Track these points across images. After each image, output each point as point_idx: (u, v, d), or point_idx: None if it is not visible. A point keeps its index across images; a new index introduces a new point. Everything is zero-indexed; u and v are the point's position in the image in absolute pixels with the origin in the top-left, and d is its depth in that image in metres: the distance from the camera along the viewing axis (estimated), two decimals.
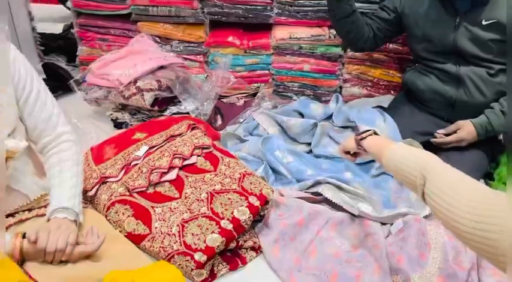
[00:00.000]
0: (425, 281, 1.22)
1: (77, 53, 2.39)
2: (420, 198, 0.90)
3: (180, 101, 2.03)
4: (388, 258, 1.29)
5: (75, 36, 2.39)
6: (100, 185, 1.47)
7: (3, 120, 1.10)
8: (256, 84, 2.25)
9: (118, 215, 1.37)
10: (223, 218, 1.30)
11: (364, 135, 1.19)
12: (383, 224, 1.42)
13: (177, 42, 2.26)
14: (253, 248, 1.36)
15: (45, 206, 1.20)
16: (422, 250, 1.30)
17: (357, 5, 2.00)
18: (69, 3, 2.29)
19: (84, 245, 1.09)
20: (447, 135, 1.70)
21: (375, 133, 1.20)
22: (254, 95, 2.18)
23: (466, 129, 1.67)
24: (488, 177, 1.76)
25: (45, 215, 1.16)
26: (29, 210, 1.20)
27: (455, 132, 1.69)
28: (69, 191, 1.19)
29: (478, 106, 1.70)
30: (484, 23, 1.62)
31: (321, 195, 1.49)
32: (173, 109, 2.03)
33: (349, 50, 2.17)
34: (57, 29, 2.99)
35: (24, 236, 1.04)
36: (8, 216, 1.16)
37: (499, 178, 1.72)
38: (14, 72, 1.16)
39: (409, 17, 1.78)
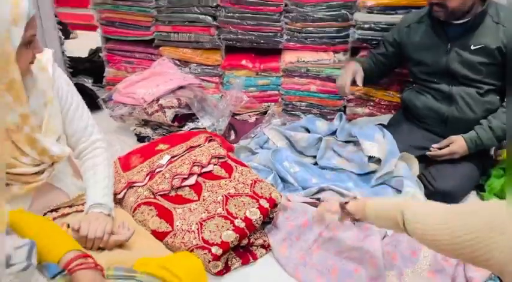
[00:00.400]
0: (417, 275, 1.37)
1: (104, 74, 2.63)
2: (403, 230, 1.04)
3: (197, 118, 2.24)
4: (384, 256, 1.44)
5: (103, 59, 2.63)
6: (127, 189, 1.65)
7: (51, 128, 1.31)
8: (266, 104, 2.45)
9: (143, 215, 1.54)
10: (236, 218, 1.47)
11: (347, 199, 1.36)
12: None
13: (195, 65, 2.49)
14: (263, 246, 1.52)
15: (82, 204, 1.38)
16: (414, 249, 1.44)
17: (361, 32, 2.22)
18: (99, 30, 2.53)
19: (117, 235, 1.27)
20: (440, 149, 1.87)
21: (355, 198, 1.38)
22: (265, 113, 2.38)
23: (457, 143, 1.83)
24: (479, 188, 1.91)
25: (83, 211, 1.34)
26: (70, 206, 1.38)
27: (448, 146, 1.85)
28: (103, 190, 1.37)
29: (469, 122, 1.86)
30: (472, 47, 1.81)
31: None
32: (191, 125, 2.23)
33: None
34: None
35: (68, 226, 1.23)
36: (52, 211, 1.35)
37: (490, 189, 1.86)
38: (58, 87, 1.36)
39: (407, 45, 1.98)
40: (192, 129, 2.19)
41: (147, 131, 2.24)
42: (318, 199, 1.69)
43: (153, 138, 2.20)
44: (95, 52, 3.31)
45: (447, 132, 1.92)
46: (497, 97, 1.88)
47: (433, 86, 1.95)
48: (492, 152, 2.04)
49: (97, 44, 3.10)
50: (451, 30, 1.84)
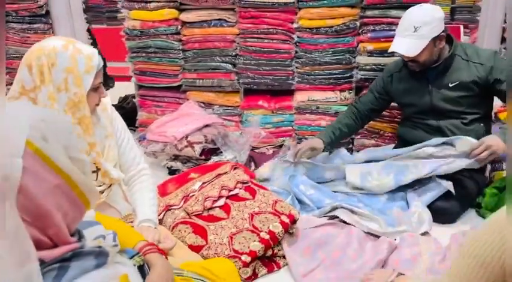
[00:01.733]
0: (415, 277, 1.57)
1: (137, 117, 2.96)
2: None
3: (221, 152, 2.53)
4: (388, 262, 1.66)
5: (137, 104, 2.97)
6: (166, 212, 1.92)
7: (110, 156, 1.60)
8: (282, 138, 2.73)
9: (181, 233, 1.79)
10: (262, 231, 1.72)
11: (392, 277, 1.41)
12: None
13: (218, 106, 2.81)
14: (285, 256, 1.75)
15: (131, 221, 1.64)
16: (415, 255, 1.66)
17: (363, 73, 2.53)
18: (133, 79, 2.89)
19: (164, 243, 1.52)
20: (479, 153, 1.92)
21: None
22: (281, 146, 2.66)
23: (489, 139, 1.92)
24: (477, 206, 2.12)
25: (133, 227, 1.60)
26: None
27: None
28: (150, 208, 1.64)
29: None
30: (450, 85, 2.08)
31: (337, 217, 1.89)
32: (216, 158, 2.52)
33: None
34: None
35: None
36: None
37: (485, 206, 2.08)
38: (115, 124, 1.67)
39: (393, 92, 2.25)
40: (217, 161, 2.47)
41: (177, 165, 2.53)
42: (333, 217, 1.93)
43: (183, 171, 2.48)
44: (124, 99, 3.68)
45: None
46: (481, 124, 2.12)
47: (422, 121, 2.19)
48: (487, 173, 2.27)
49: (126, 92, 3.48)
50: (428, 73, 2.11)
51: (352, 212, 1.91)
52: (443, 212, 1.99)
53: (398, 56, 2.46)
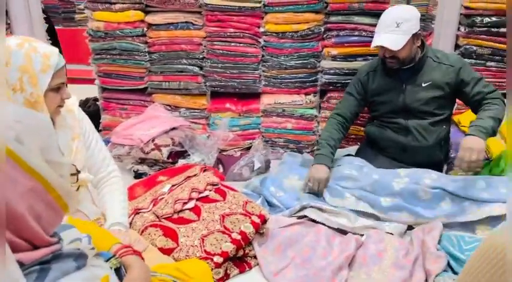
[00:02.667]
0: (382, 271, 1.65)
1: (100, 121, 2.89)
2: None
3: (189, 154, 2.52)
4: (356, 259, 1.72)
5: (100, 107, 2.91)
6: (135, 215, 1.89)
7: (78, 159, 1.57)
8: (249, 141, 2.76)
9: (150, 236, 1.77)
10: (233, 232, 1.73)
11: None
12: (354, 234, 1.86)
13: (185, 109, 2.81)
14: (256, 256, 1.77)
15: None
16: (380, 251, 1.73)
17: (327, 76, 2.61)
18: (97, 82, 2.83)
19: (134, 246, 1.50)
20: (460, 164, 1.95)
21: None
22: (248, 148, 2.69)
23: (466, 141, 1.95)
24: None
25: None
26: None
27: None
28: (120, 211, 1.62)
29: (423, 150, 2.22)
30: (423, 85, 2.20)
31: (306, 217, 1.94)
32: (183, 161, 2.51)
33: (321, 111, 2.73)
34: None
35: None
36: None
37: None
38: (83, 126, 1.64)
39: (370, 90, 2.32)
40: (185, 164, 2.45)
41: (144, 168, 2.50)
42: (302, 217, 1.97)
43: (149, 174, 2.45)
44: (84, 102, 3.59)
45: (406, 158, 2.26)
46: (444, 126, 2.26)
47: (391, 120, 2.29)
48: (444, 172, 2.39)
49: (85, 95, 3.39)
50: (402, 73, 2.22)
51: (321, 210, 1.96)
52: None
53: (359, 61, 2.57)
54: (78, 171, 1.13)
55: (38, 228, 0.75)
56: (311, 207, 1.97)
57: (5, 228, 0.66)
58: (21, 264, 0.73)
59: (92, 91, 3.21)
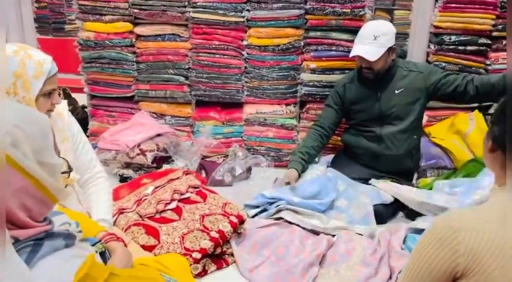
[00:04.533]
0: (349, 268, 1.77)
1: (88, 127, 2.98)
2: None
3: (173, 160, 2.63)
4: (326, 258, 1.84)
5: (88, 113, 3.01)
6: (119, 215, 1.99)
7: (51, 144, 1.66)
8: (232, 148, 2.88)
9: (133, 234, 1.87)
10: (212, 230, 1.84)
11: None
12: (326, 234, 1.98)
13: (170, 117, 2.92)
14: (233, 254, 1.88)
15: None
16: (349, 250, 1.85)
17: (306, 88, 2.76)
18: (86, 89, 2.94)
19: None
20: None
21: None
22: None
23: None
24: (404, 209, 2.36)
25: None
26: None
27: None
28: (105, 209, 1.72)
29: (395, 158, 2.37)
30: (396, 92, 2.36)
31: (282, 218, 2.06)
32: (167, 166, 2.62)
33: (301, 121, 2.87)
34: None
35: None
36: None
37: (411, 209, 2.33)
38: (71, 129, 1.74)
39: (347, 100, 2.47)
40: (168, 169, 2.56)
41: (129, 172, 2.59)
42: (278, 218, 2.09)
43: (134, 178, 2.54)
44: (72, 110, 3.67)
45: (378, 166, 2.41)
46: (415, 136, 2.42)
47: (366, 129, 2.44)
48: (414, 180, 2.54)
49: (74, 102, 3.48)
50: (377, 83, 2.38)
51: (296, 212, 2.08)
52: (377, 215, 2.21)
53: (337, 74, 2.73)
54: (71, 169, 1.23)
55: (28, 220, 0.84)
56: (287, 209, 2.09)
57: (5, 227, 0.73)
58: (17, 239, 0.83)
59: (80, 99, 3.32)
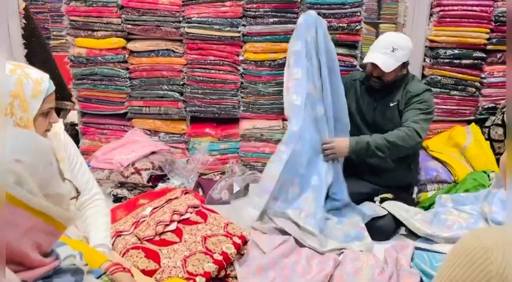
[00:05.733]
0: None
1: (79, 145, 2.89)
2: None
3: (168, 178, 2.56)
4: (334, 278, 1.79)
5: (79, 131, 2.92)
6: (116, 238, 1.90)
7: (56, 171, 1.59)
8: (228, 165, 2.82)
9: (132, 258, 1.79)
10: (215, 252, 1.77)
11: None
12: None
13: (164, 133, 2.85)
14: (236, 277, 1.81)
15: None
16: (357, 269, 1.81)
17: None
18: (77, 106, 2.86)
19: None
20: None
21: None
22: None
23: (337, 141, 2.25)
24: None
25: None
26: None
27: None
28: (103, 233, 1.63)
29: (387, 169, 2.33)
30: (391, 105, 2.34)
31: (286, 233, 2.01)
32: (163, 185, 2.54)
33: None
34: None
35: None
36: None
37: None
38: (67, 149, 1.67)
39: (348, 94, 2.43)
40: (165, 188, 2.49)
41: (123, 192, 2.51)
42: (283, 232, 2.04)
43: (129, 198, 2.46)
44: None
45: (376, 180, 2.37)
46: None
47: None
48: (415, 194, 2.52)
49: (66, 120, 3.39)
50: (376, 93, 2.36)
51: (298, 225, 2.04)
52: (379, 231, 2.17)
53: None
54: (79, 193, 1.15)
55: (40, 258, 0.77)
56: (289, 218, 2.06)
57: (4, 268, 0.67)
58: None
59: (69, 116, 3.22)
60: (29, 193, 0.74)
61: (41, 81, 1.43)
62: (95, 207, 1.70)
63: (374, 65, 2.23)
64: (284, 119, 2.83)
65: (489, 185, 2.26)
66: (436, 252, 1.88)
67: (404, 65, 2.28)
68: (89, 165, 2.60)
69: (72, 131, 3.11)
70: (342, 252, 1.94)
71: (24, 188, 0.73)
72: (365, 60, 2.28)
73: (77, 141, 2.91)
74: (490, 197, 2.04)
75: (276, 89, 2.76)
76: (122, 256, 1.80)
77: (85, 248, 1.20)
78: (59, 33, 5.78)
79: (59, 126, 1.65)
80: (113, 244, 1.87)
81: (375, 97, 2.38)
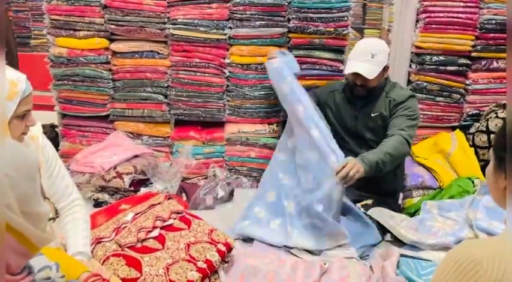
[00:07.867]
0: None
1: (59, 148, 2.81)
2: None
3: (151, 183, 2.49)
4: None
5: (59, 133, 2.83)
6: (96, 245, 1.83)
7: (38, 188, 1.52)
8: (213, 169, 2.77)
9: (113, 266, 1.72)
10: (199, 260, 1.72)
11: None
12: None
13: (147, 137, 2.79)
14: None
15: None
16: (343, 277, 1.78)
17: None
18: (57, 108, 2.77)
19: None
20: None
21: None
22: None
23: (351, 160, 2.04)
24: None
25: None
26: None
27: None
28: (83, 240, 1.58)
29: (376, 178, 2.30)
30: (372, 115, 2.33)
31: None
32: (145, 189, 2.47)
33: None
34: None
35: None
36: None
37: None
38: (46, 153, 1.60)
39: (327, 107, 2.45)
40: (147, 193, 2.42)
41: (104, 197, 2.43)
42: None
43: (110, 203, 2.39)
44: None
45: (362, 187, 2.35)
46: None
47: (345, 146, 2.37)
48: (400, 200, 2.51)
49: (42, 122, 3.27)
50: (358, 101, 2.36)
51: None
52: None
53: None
54: (57, 215, 1.09)
55: (6, 277, 0.73)
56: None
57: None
58: None
59: (49, 117, 3.12)
60: (7, 208, 0.69)
61: (17, 82, 1.37)
62: (74, 214, 1.64)
63: (357, 74, 2.22)
64: (269, 123, 2.80)
65: (474, 192, 2.27)
66: (422, 259, 1.86)
67: (385, 68, 2.28)
68: (68, 169, 2.53)
69: (51, 133, 3.01)
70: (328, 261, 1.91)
71: (3, 202, 0.68)
72: (346, 71, 2.28)
73: (56, 143, 2.83)
74: (474, 203, 2.04)
75: (262, 92, 2.73)
76: (102, 264, 1.74)
77: (63, 256, 1.14)
78: (40, 32, 5.67)
79: (37, 129, 1.58)
80: (92, 251, 1.80)
81: (355, 106, 2.37)
